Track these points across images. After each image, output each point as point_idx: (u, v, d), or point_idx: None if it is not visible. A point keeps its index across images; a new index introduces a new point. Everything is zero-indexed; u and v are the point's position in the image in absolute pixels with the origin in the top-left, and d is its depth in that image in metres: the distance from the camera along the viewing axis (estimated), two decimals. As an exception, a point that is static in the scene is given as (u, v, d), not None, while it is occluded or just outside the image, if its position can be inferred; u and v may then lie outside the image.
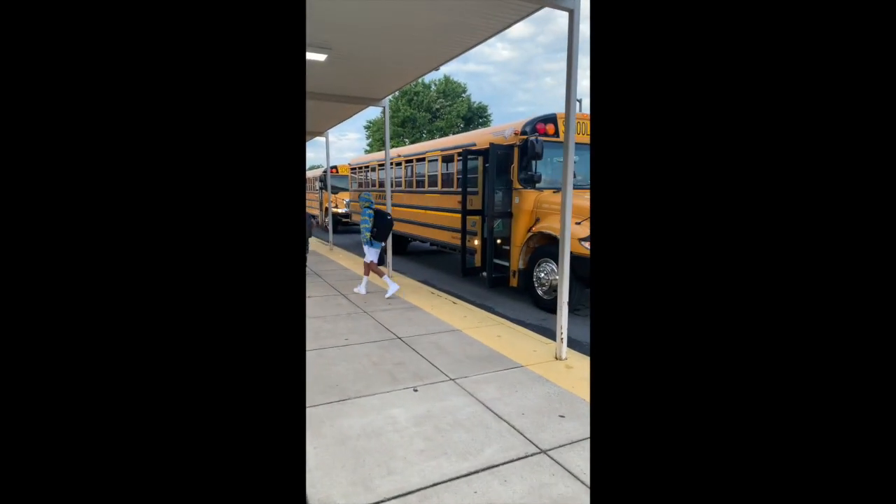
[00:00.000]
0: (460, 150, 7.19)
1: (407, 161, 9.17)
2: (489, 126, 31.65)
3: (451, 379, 3.27)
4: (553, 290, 5.39)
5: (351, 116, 8.92)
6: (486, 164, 6.74)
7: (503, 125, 6.39)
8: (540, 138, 5.33)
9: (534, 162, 5.44)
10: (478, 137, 6.86)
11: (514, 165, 5.89)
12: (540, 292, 5.59)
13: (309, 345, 3.95)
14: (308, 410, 2.73)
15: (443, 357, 3.71)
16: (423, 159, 8.58)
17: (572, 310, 4.75)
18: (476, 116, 32.43)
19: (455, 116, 31.34)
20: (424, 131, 31.97)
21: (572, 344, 4.00)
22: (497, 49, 74.99)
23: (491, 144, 5.84)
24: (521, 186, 5.85)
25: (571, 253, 5.22)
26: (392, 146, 30.53)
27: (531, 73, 74.20)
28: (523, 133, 5.77)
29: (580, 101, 20.82)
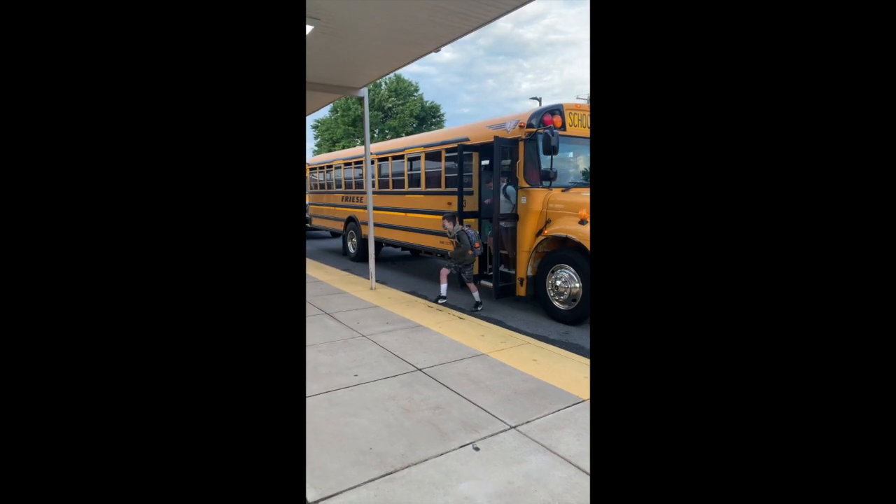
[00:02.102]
0: (449, 146, 6.51)
1: (381, 159, 8.35)
2: (443, 126, 31.21)
3: (511, 427, 2.59)
4: (573, 299, 4.84)
5: (319, 109, 7.98)
6: (483, 161, 6.12)
7: (501, 118, 5.78)
8: (556, 131, 4.75)
9: (549, 157, 4.85)
10: (471, 132, 6.20)
11: (521, 161, 5.29)
12: (556, 302, 5.01)
13: (312, 386, 3.12)
14: (348, 496, 1.96)
15: (485, 394, 3.02)
16: (401, 157, 7.80)
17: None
18: (429, 116, 31.75)
19: (408, 115, 30.50)
20: (376, 130, 30.92)
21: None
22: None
23: (496, 138, 5.20)
24: (528, 185, 5.26)
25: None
26: (343, 147, 29.20)
27: (474, 75, 74.81)
28: (529, 126, 5.19)
29: (539, 99, 20.67)
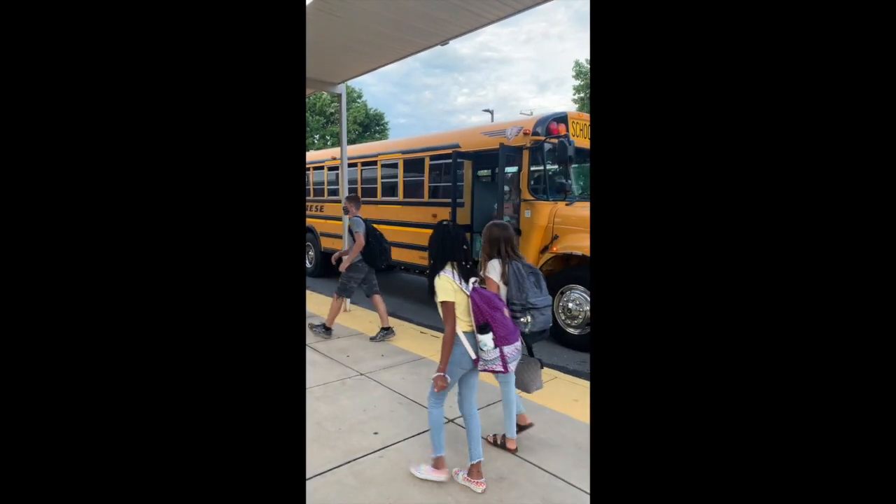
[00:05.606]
0: (435, 153, 5.94)
1: (349, 165, 7.57)
2: (388, 134, 30.48)
3: None
4: (587, 323, 4.42)
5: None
6: (477, 171, 5.62)
7: (498, 124, 5.32)
8: (571, 139, 4.35)
9: (565, 167, 4.44)
10: (461, 138, 5.68)
11: (524, 172, 4.84)
12: (569, 328, 4.57)
13: (325, 453, 2.40)
14: None
15: (549, 454, 2.46)
16: (372, 163, 7.11)
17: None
18: (373, 123, 30.92)
19: (351, 122, 29.48)
20: (317, 136, 29.56)
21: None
22: (377, 59, 74.17)
23: (501, 146, 4.71)
24: (532, 197, 4.82)
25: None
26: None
27: (411, 86, 74.59)
28: (535, 133, 4.76)
29: (491, 111, 20.66)
